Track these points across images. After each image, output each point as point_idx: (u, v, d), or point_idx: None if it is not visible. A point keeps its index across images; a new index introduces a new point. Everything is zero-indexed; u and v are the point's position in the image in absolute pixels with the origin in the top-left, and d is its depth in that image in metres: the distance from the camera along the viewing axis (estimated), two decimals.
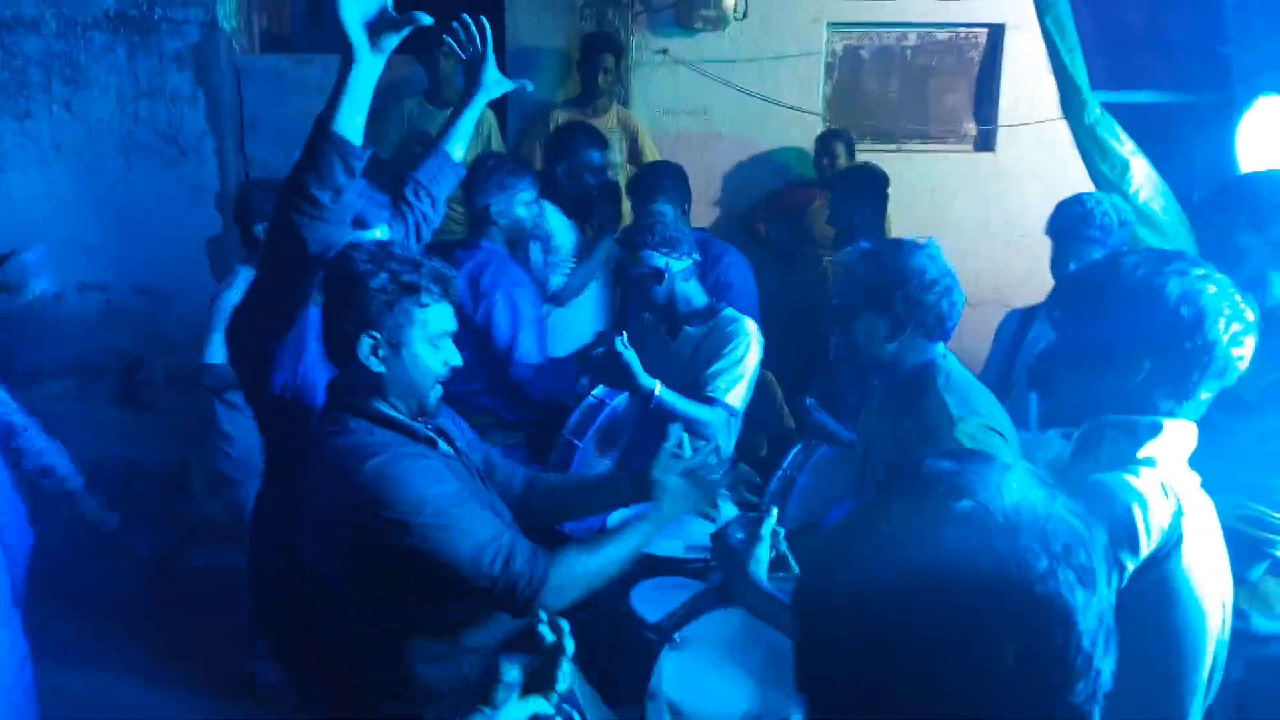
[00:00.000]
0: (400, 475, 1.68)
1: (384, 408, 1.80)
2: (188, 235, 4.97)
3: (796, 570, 1.81)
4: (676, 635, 1.91)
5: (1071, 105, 2.75)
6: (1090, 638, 0.79)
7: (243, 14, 5.04)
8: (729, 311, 2.81)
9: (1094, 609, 0.80)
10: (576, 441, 2.90)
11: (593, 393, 2.97)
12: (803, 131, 5.01)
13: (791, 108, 4.98)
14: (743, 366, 2.75)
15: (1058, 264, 2.86)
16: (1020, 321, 3.13)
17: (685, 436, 2.06)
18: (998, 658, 0.77)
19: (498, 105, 4.95)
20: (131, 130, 4.88)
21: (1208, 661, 1.43)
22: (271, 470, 2.21)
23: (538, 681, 1.30)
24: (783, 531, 1.79)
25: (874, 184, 4.17)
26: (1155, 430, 1.48)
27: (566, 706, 1.41)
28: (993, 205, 5.13)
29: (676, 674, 1.83)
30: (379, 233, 2.31)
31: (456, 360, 1.84)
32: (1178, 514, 1.44)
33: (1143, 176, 2.69)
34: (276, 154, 5.06)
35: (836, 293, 2.16)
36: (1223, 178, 2.81)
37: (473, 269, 3.03)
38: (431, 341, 1.80)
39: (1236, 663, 1.70)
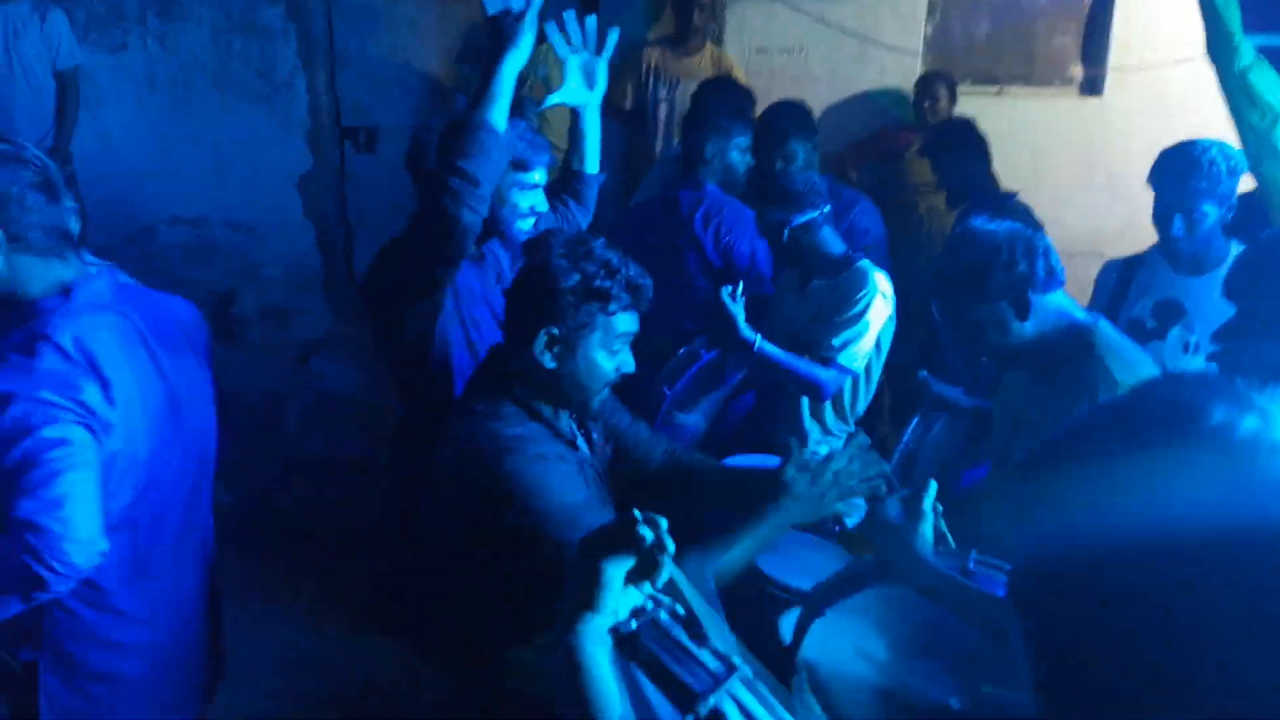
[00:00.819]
0: (535, 479, 1.69)
1: (540, 404, 1.79)
2: (279, 171, 5.00)
3: (953, 544, 1.76)
4: (827, 610, 1.85)
5: (1221, 50, 2.58)
6: None
7: None
8: (862, 264, 2.66)
9: None
10: (665, 388, 2.86)
11: (693, 345, 2.93)
12: (901, 73, 4.86)
13: (891, 47, 4.81)
14: (863, 323, 2.59)
15: (1161, 215, 2.71)
16: (1120, 273, 3.00)
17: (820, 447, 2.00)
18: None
19: None
20: (224, 64, 4.88)
21: None
22: (406, 421, 2.23)
23: (637, 578, 1.30)
24: (940, 506, 1.71)
25: (970, 141, 4.01)
26: None
27: (665, 598, 1.40)
28: (1095, 153, 4.95)
29: (818, 638, 1.80)
30: (537, 176, 2.32)
31: (630, 367, 1.80)
32: None
33: None
34: (367, 91, 5.05)
35: (941, 314, 2.11)
36: None
37: (706, 211, 3.13)
38: (609, 347, 1.76)
39: None
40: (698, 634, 1.42)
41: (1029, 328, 1.99)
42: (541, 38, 4.49)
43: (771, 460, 2.70)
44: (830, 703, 1.59)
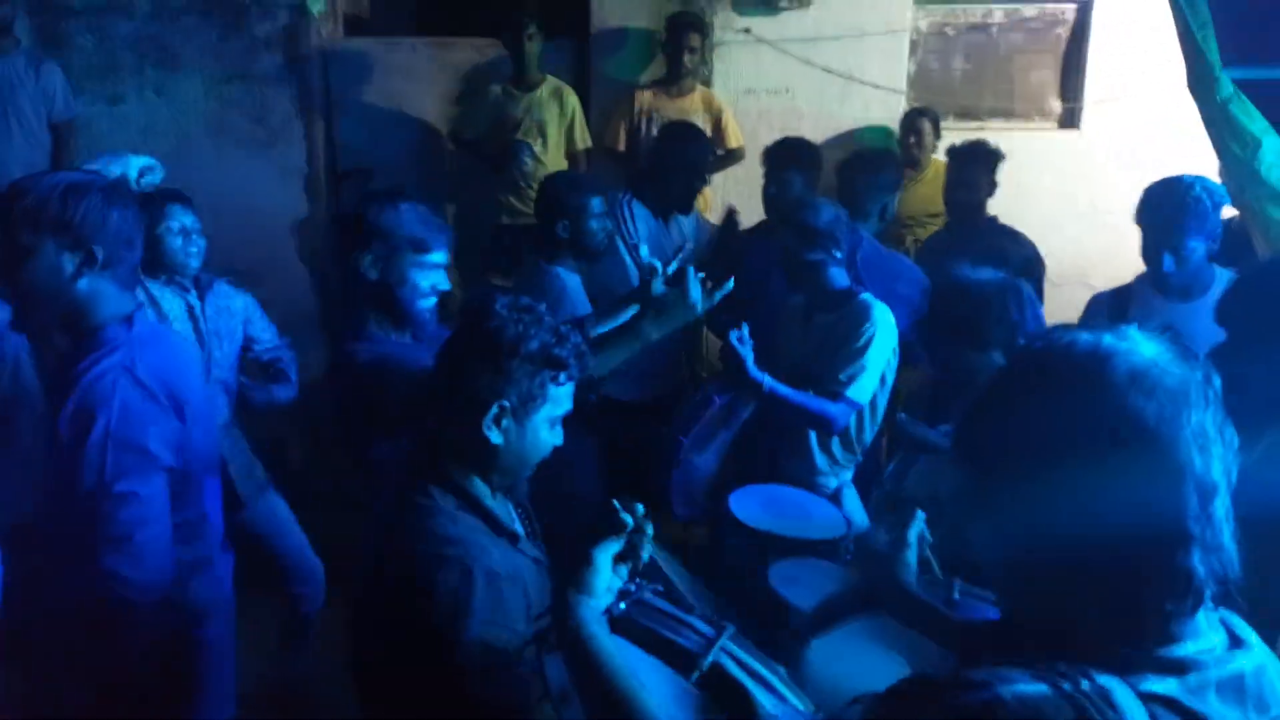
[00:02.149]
0: (469, 599, 1.51)
1: (477, 487, 1.65)
2: (276, 219, 5.04)
3: (940, 574, 1.81)
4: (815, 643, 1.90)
5: (1202, 83, 2.69)
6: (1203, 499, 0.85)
7: None
8: (865, 297, 2.72)
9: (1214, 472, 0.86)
10: (680, 436, 2.89)
11: (707, 389, 2.97)
12: (885, 110, 4.99)
13: (875, 85, 4.95)
14: (868, 357, 2.64)
15: (1151, 252, 2.79)
16: (1110, 304, 3.07)
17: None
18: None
19: (581, 86, 4.98)
20: (221, 113, 4.94)
21: None
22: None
23: (621, 560, 1.38)
24: (929, 535, 1.73)
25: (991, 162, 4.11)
26: None
27: (641, 581, 1.47)
28: (1077, 184, 5.09)
29: (820, 660, 1.84)
30: (438, 257, 2.26)
31: (560, 441, 1.69)
32: None
33: (1275, 154, 2.63)
34: (364, 138, 5.13)
35: (931, 359, 2.19)
36: None
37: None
38: (552, 421, 1.66)
39: None
40: (683, 603, 1.50)
41: None
42: (535, 83, 4.61)
43: (781, 491, 2.76)
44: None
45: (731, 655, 1.42)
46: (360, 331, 2.21)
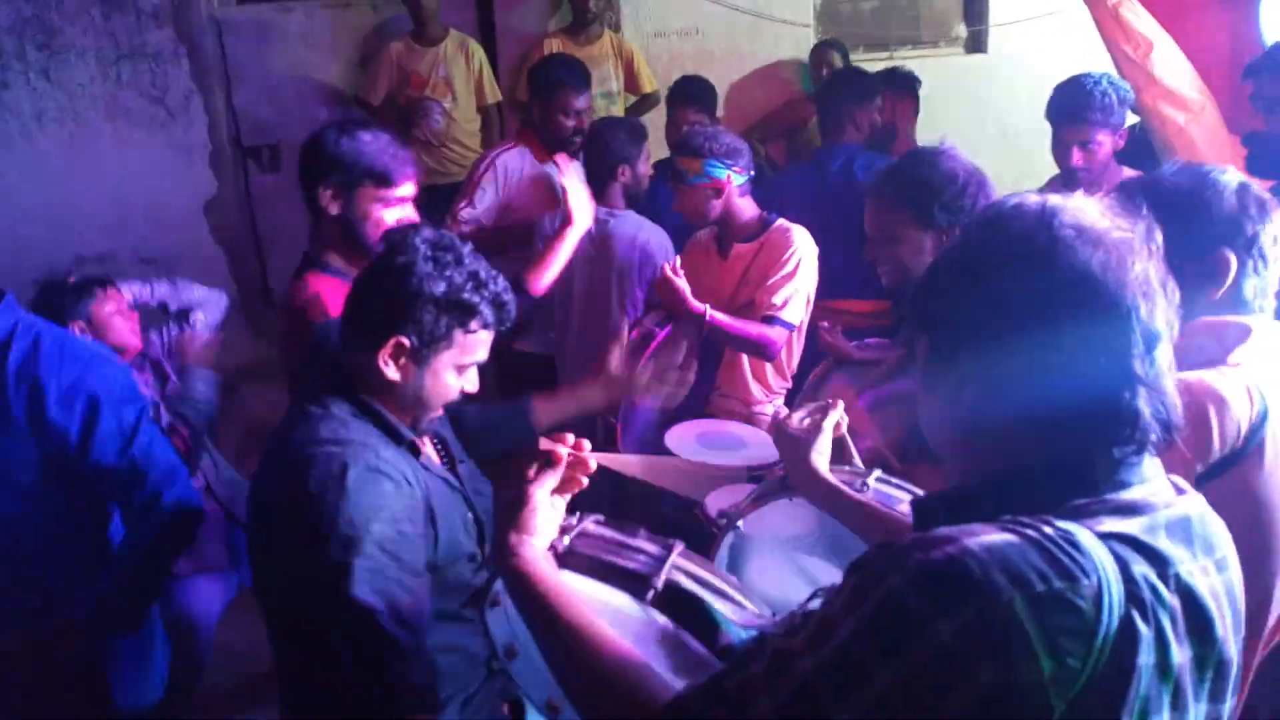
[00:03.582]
0: (369, 504, 1.47)
1: (373, 401, 1.60)
2: (184, 198, 4.88)
3: (860, 465, 1.82)
4: (740, 523, 1.91)
5: None
6: None
7: None
8: (780, 222, 2.75)
9: None
10: None
11: (642, 322, 2.96)
12: (795, 45, 4.99)
13: (784, 21, 4.94)
14: (799, 279, 2.68)
15: (1060, 148, 2.86)
16: None
17: None
18: None
19: (487, 37, 4.89)
20: (115, 94, 4.75)
21: None
22: None
23: (560, 493, 1.31)
24: (846, 422, 1.74)
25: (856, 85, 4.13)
26: (1244, 334, 1.52)
27: (581, 512, 1.43)
28: (987, 108, 5.15)
29: (738, 557, 1.85)
30: (403, 190, 2.14)
31: (473, 387, 1.66)
32: (1262, 416, 1.47)
33: (1166, 55, 2.70)
34: (267, 109, 4.98)
35: (870, 221, 2.14)
36: (1249, 54, 2.85)
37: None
38: (459, 366, 1.60)
39: None
40: (626, 527, 1.48)
41: None
42: (437, 37, 4.51)
43: (717, 424, 2.77)
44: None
45: (684, 571, 1.40)
46: (322, 266, 2.11)
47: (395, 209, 2.12)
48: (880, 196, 2.11)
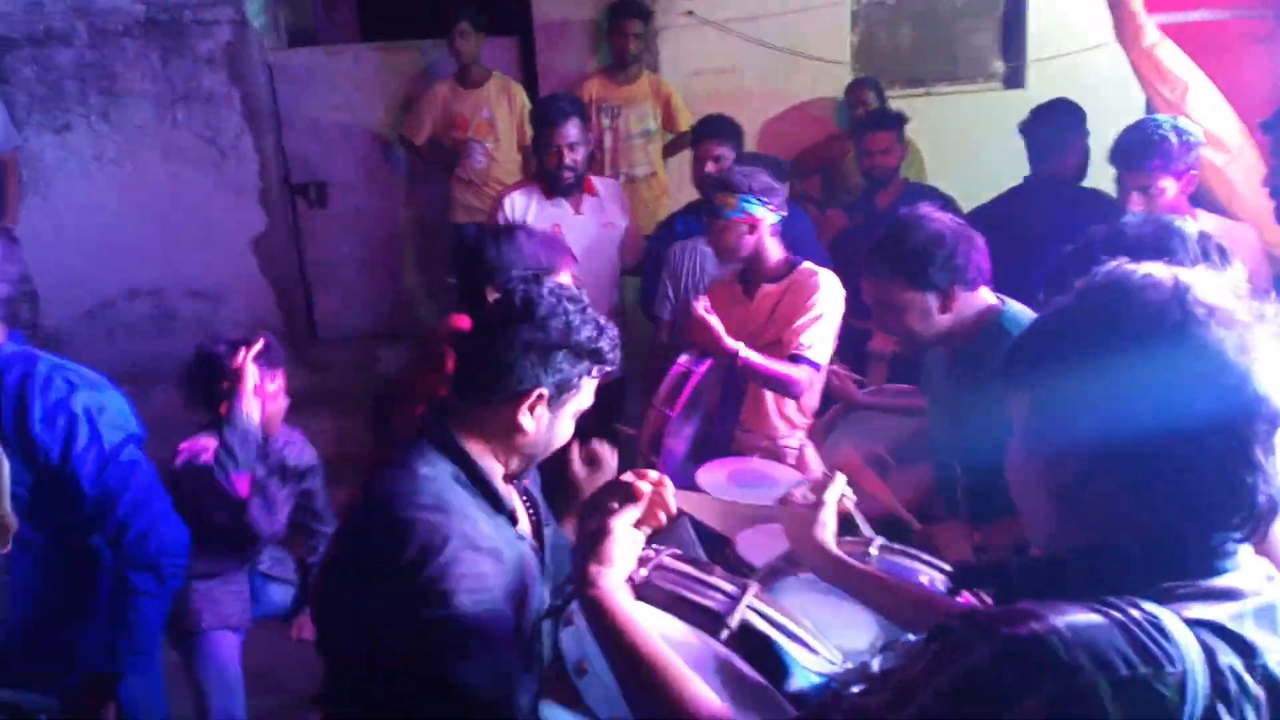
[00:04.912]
0: (475, 585, 1.44)
1: (486, 463, 1.57)
2: (234, 234, 5.03)
3: (868, 533, 1.82)
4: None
5: (1126, 31, 2.75)
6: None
7: (269, 10, 5.07)
8: (806, 264, 2.78)
9: None
10: (668, 412, 2.89)
11: (679, 360, 2.98)
12: (831, 83, 5.03)
13: (820, 59, 4.98)
14: (827, 321, 2.71)
15: (1121, 192, 2.84)
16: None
17: None
18: None
19: (529, 77, 4.99)
20: (170, 135, 4.92)
21: None
22: None
23: (641, 526, 1.32)
24: (852, 495, 1.74)
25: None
26: None
27: (659, 545, 1.45)
28: (1024, 143, 5.13)
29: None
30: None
31: (571, 433, 1.66)
32: None
33: (1203, 96, 2.69)
34: (314, 148, 5.12)
35: (869, 293, 2.17)
36: None
37: None
38: (576, 413, 1.60)
39: None
40: (703, 564, 1.48)
41: (947, 319, 2.09)
42: (481, 79, 4.61)
43: (748, 462, 2.79)
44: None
45: (758, 612, 1.41)
46: None
47: None
48: (871, 270, 2.14)
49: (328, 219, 5.27)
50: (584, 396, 1.60)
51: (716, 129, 3.62)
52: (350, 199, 5.25)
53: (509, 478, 1.62)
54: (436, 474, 1.52)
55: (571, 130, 3.40)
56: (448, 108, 4.68)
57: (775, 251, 2.82)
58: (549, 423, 1.56)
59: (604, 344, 1.55)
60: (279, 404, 2.68)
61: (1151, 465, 0.90)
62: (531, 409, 1.53)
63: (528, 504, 1.74)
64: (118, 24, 4.77)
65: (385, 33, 5.42)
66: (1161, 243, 1.58)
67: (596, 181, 3.66)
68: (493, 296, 2.08)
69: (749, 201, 2.73)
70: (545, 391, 1.52)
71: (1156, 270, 0.96)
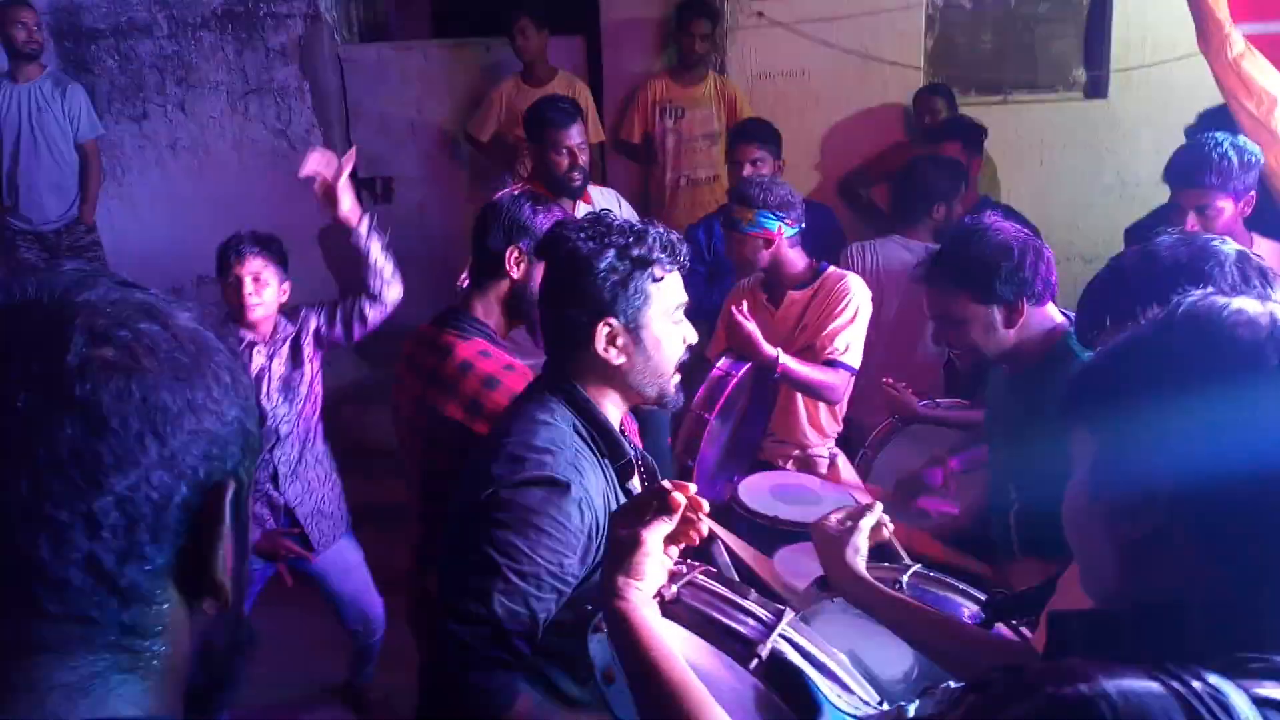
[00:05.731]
0: (541, 509, 1.47)
1: (605, 409, 1.59)
2: (300, 225, 5.09)
3: (905, 560, 1.77)
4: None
5: (1211, 41, 2.61)
6: None
7: (341, 4, 5.13)
8: (833, 269, 2.78)
9: None
10: (707, 415, 2.86)
11: (717, 364, 2.95)
12: (903, 88, 4.90)
13: (892, 63, 4.86)
14: (859, 324, 2.70)
15: (1175, 212, 2.70)
16: None
17: None
18: None
19: (594, 77, 4.97)
20: (242, 126, 5.02)
21: None
22: None
23: (674, 542, 1.27)
24: (889, 522, 1.68)
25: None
26: None
27: (693, 561, 1.40)
28: (1105, 155, 4.96)
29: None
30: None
31: (694, 337, 1.65)
32: None
33: None
34: (381, 141, 5.17)
35: (931, 307, 2.10)
36: None
37: None
38: (670, 318, 1.59)
39: None
40: (737, 586, 1.43)
41: (1012, 334, 2.01)
42: (546, 77, 4.60)
43: (789, 476, 2.74)
44: None
45: (791, 642, 1.34)
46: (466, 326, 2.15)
47: None
48: (933, 282, 2.07)
49: (392, 213, 5.32)
50: (667, 297, 1.57)
51: (754, 132, 3.57)
52: (414, 194, 5.29)
53: (657, 402, 1.63)
54: (555, 421, 1.54)
55: (577, 132, 3.35)
56: (512, 105, 4.67)
57: (796, 261, 2.81)
58: (640, 346, 1.56)
59: (645, 249, 1.53)
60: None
61: (1236, 522, 0.81)
62: (611, 341, 1.54)
63: (643, 470, 1.72)
64: (196, 16, 4.88)
65: (457, 29, 5.46)
66: (1197, 266, 1.48)
67: (593, 191, 3.56)
68: (513, 258, 2.11)
69: (765, 216, 2.71)
70: (614, 321, 1.53)
71: (1249, 305, 0.86)
